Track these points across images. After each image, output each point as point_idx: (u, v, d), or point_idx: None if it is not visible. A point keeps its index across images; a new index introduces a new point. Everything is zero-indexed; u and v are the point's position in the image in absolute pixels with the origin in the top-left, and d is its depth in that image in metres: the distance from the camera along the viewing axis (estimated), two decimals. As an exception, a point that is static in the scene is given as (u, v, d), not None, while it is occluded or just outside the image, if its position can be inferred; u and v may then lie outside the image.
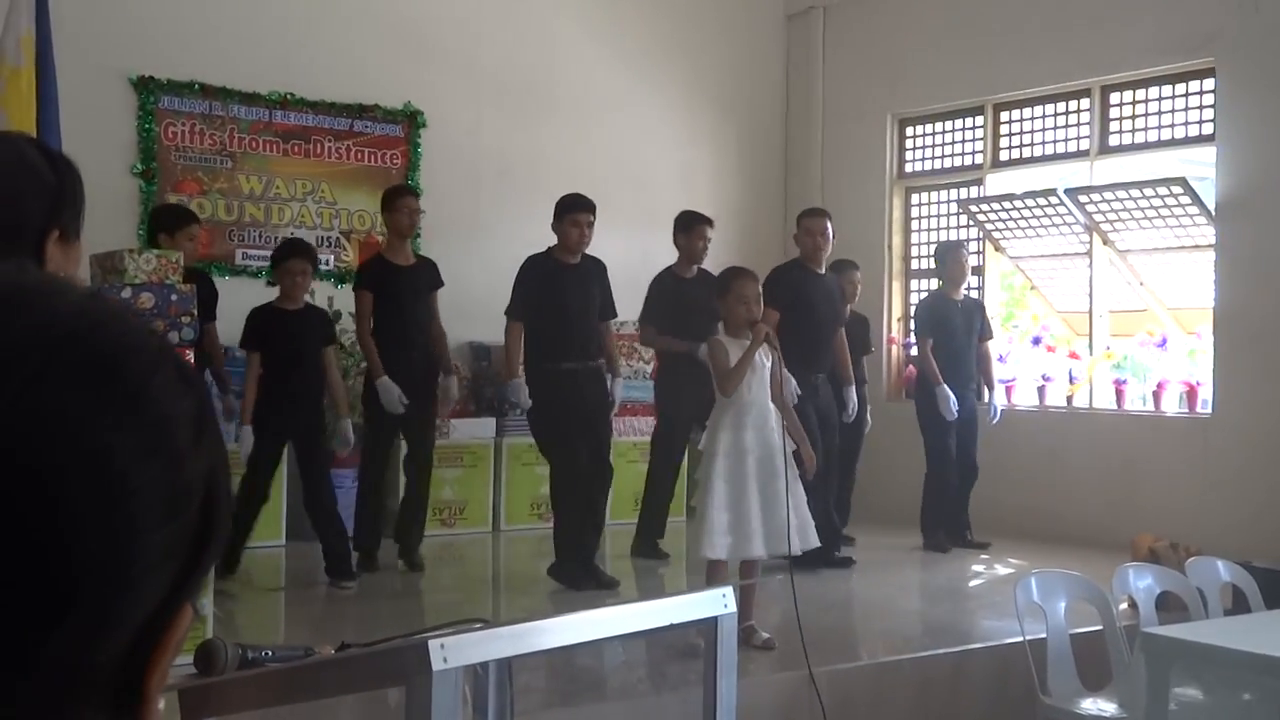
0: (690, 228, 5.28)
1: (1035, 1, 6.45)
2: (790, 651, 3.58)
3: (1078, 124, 6.46)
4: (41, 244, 1.32)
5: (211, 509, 0.46)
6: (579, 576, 4.54)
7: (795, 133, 7.64)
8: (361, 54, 6.25)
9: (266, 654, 1.48)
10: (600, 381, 4.70)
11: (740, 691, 1.73)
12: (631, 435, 6.49)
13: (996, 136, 6.84)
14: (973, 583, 5.42)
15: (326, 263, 6.18)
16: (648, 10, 7.15)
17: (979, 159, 6.93)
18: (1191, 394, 5.94)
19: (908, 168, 7.29)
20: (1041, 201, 6.41)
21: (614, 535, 6.16)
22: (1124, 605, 3.72)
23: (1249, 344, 5.59)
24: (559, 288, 4.58)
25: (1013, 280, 7.09)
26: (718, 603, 1.67)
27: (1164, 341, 6.19)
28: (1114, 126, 6.34)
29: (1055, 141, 6.59)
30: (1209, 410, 5.82)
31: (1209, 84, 5.89)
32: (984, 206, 6.73)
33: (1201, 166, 5.99)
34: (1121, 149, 6.32)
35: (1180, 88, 6.06)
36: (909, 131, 7.28)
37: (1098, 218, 6.25)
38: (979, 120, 6.90)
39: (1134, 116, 6.26)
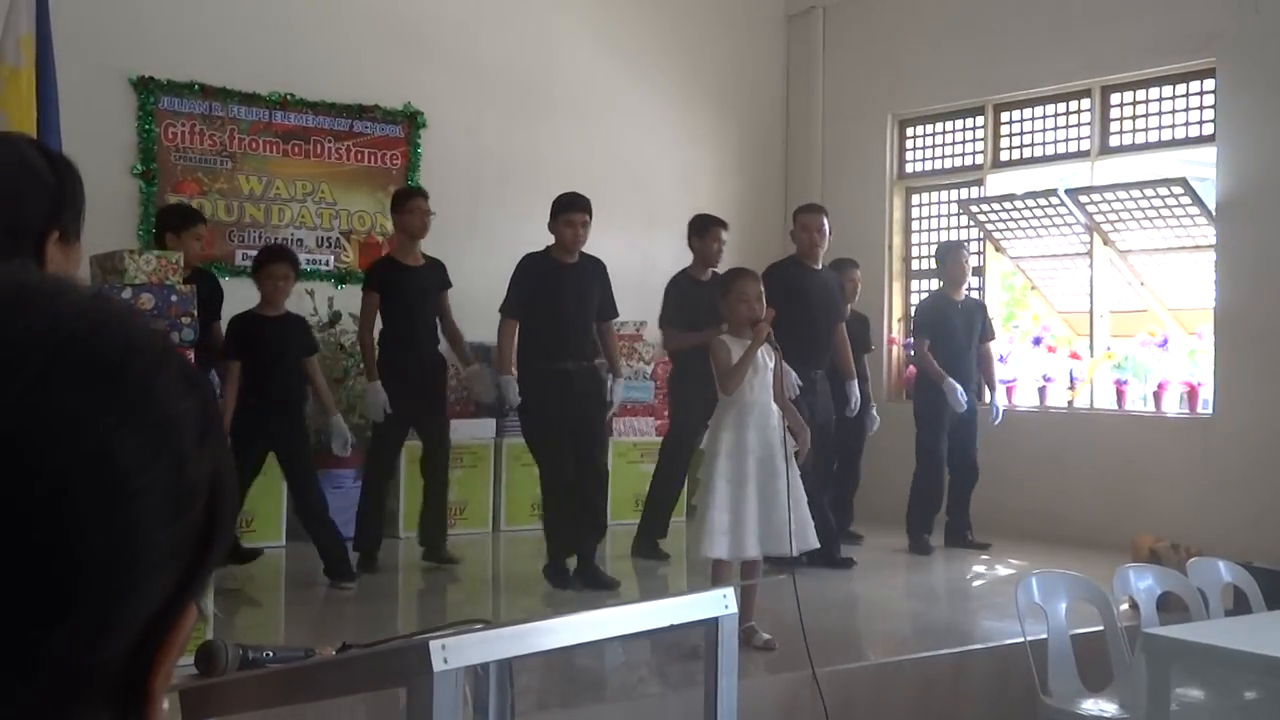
0: (705, 230, 5.28)
1: (1036, 2, 6.45)
2: (790, 653, 3.58)
3: (1078, 124, 6.46)
4: (41, 245, 1.33)
5: (215, 509, 0.46)
6: (568, 577, 4.54)
7: (795, 133, 7.64)
8: (361, 54, 6.25)
9: (267, 655, 1.49)
10: (596, 382, 4.68)
11: (741, 692, 1.73)
12: (632, 436, 6.49)
13: (997, 137, 6.84)
14: (974, 583, 5.42)
15: (326, 264, 6.19)
16: (648, 10, 7.15)
17: (979, 159, 6.93)
18: (1192, 394, 5.94)
19: (908, 168, 7.29)
20: (1042, 202, 6.41)
21: (615, 536, 6.16)
22: (1125, 606, 3.72)
23: (1250, 344, 5.59)
24: (555, 287, 4.57)
25: (1013, 281, 7.09)
26: (718, 603, 1.67)
27: (1165, 342, 6.19)
28: (1114, 127, 6.34)
29: (1056, 142, 6.59)
30: (1210, 411, 5.82)
31: (1209, 84, 5.89)
32: (984, 207, 6.73)
33: (1202, 167, 6.00)
34: (1122, 149, 6.33)
35: (1181, 88, 6.06)
36: (909, 132, 7.28)
37: (1098, 218, 6.25)
38: (979, 120, 6.90)
39: (1134, 117, 6.27)
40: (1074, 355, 6.52)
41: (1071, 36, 6.29)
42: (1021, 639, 3.28)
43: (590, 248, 4.82)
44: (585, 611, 1.59)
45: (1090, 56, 6.22)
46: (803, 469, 3.71)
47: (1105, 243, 6.32)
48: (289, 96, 6.06)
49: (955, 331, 5.74)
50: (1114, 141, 6.35)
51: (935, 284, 6.38)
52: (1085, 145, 6.43)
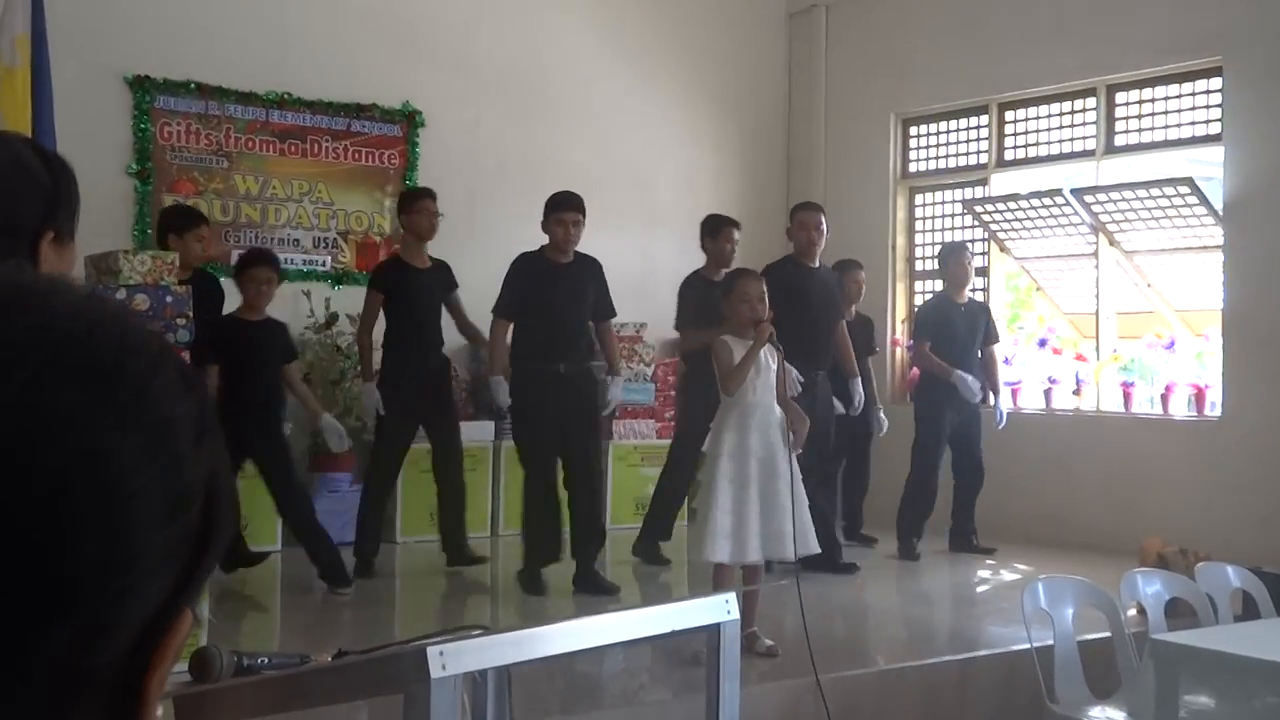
0: (718, 230, 5.28)
1: (1041, -1, 6.46)
2: (793, 659, 3.58)
3: (1083, 123, 6.46)
4: (36, 245, 1.33)
5: (212, 512, 0.46)
6: (542, 585, 4.54)
7: (797, 132, 7.65)
8: (359, 53, 6.25)
9: (262, 661, 1.48)
10: (590, 384, 4.67)
11: (743, 700, 1.72)
12: (632, 439, 6.49)
13: (1001, 136, 6.84)
14: (979, 589, 5.42)
15: (323, 264, 6.19)
16: (648, 8, 7.16)
17: (984, 159, 6.93)
18: (1200, 397, 5.94)
19: (911, 167, 7.29)
20: (1047, 202, 6.41)
21: (615, 541, 6.16)
22: (1132, 611, 3.72)
23: (1258, 346, 5.59)
24: (548, 287, 4.56)
25: (1018, 281, 7.09)
26: (720, 609, 1.67)
27: (1172, 343, 6.19)
28: (1120, 126, 6.34)
29: (1061, 141, 6.59)
30: (1218, 413, 5.81)
31: (1216, 83, 5.89)
32: (989, 207, 6.73)
33: (1209, 166, 6.00)
34: (1128, 149, 6.33)
35: (1187, 86, 6.06)
36: (913, 131, 7.28)
37: (1104, 218, 6.25)
38: (984, 119, 6.90)
39: (1140, 116, 6.27)
40: (1080, 357, 6.52)
41: (1077, 34, 6.29)
42: (1028, 645, 3.27)
43: (589, 248, 4.82)
44: (585, 617, 1.59)
45: (1096, 55, 6.23)
46: (802, 463, 3.70)
47: (1111, 243, 6.32)
48: (286, 95, 6.06)
49: (957, 334, 5.74)
50: (1120, 141, 6.35)
51: (939, 285, 6.37)
52: (1090, 144, 6.43)
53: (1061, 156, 6.60)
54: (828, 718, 3.31)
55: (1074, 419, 6.38)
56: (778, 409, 3.70)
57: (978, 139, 6.96)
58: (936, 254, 6.41)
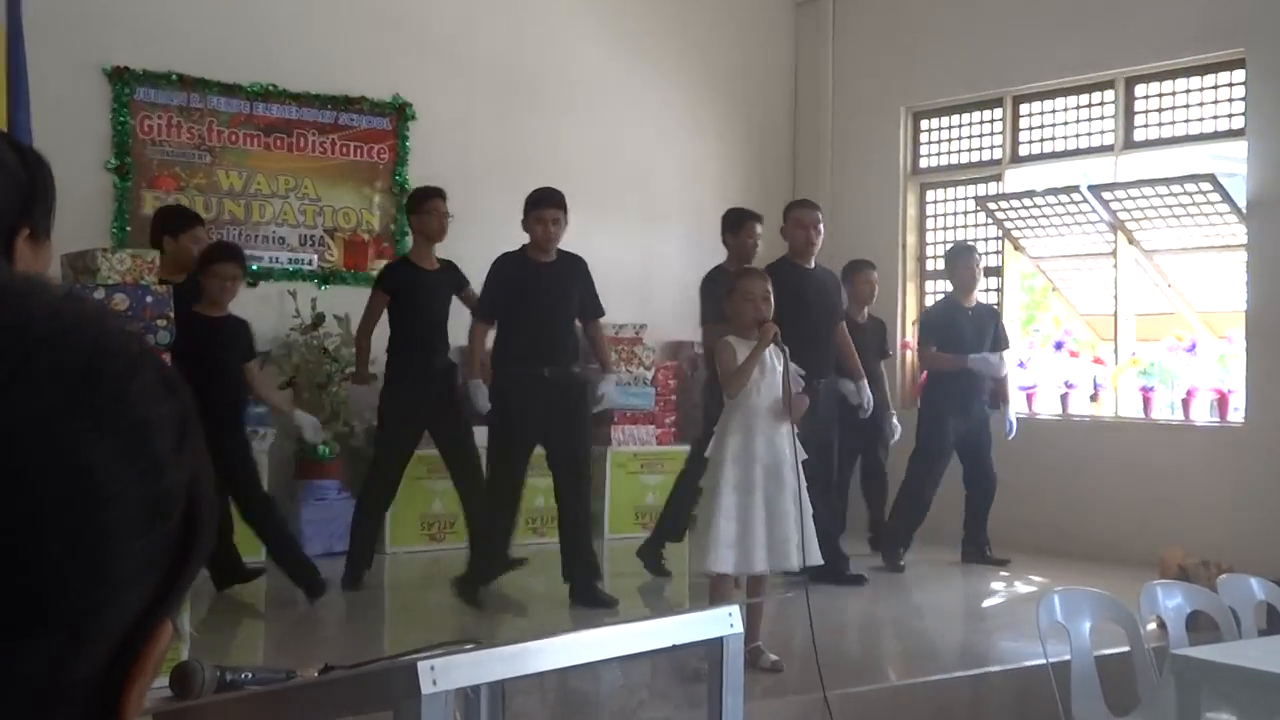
0: (740, 225, 5.27)
1: (1057, -12, 6.47)
2: (799, 674, 3.58)
3: (1101, 117, 6.47)
4: (11, 243, 1.33)
5: (193, 519, 0.46)
6: (477, 596, 4.53)
7: (804, 126, 7.65)
8: (347, 43, 6.26)
9: (246, 676, 1.48)
10: (575, 388, 4.66)
11: (747, 717, 1.72)
12: (632, 445, 6.49)
13: (1016, 130, 6.85)
14: (992, 601, 5.41)
15: (309, 263, 6.19)
16: (649, -3, 7.16)
17: (997, 154, 6.94)
18: (1223, 402, 5.94)
19: (922, 163, 7.30)
20: (1063, 199, 6.42)
21: (614, 550, 6.16)
22: (1152, 625, 3.72)
23: (1283, 349, 5.59)
24: (530, 287, 4.56)
25: (1033, 282, 7.09)
26: (723, 622, 1.67)
27: (1193, 346, 6.19)
28: (1139, 120, 6.35)
29: (1078, 136, 6.60)
30: (1241, 419, 5.82)
31: (1239, 75, 5.90)
32: (1003, 204, 6.74)
33: (1231, 162, 6.00)
34: (1147, 144, 6.33)
35: (1209, 79, 6.07)
36: (924, 125, 7.29)
37: (1123, 216, 6.25)
38: (997, 113, 6.91)
39: (1160, 110, 6.27)
40: (1097, 361, 6.52)
41: (1094, 25, 6.30)
42: (1043, 660, 3.27)
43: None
44: (582, 631, 1.59)
45: (1114, 46, 6.23)
46: (806, 471, 3.70)
47: (1130, 242, 6.32)
48: (271, 87, 6.07)
49: (964, 339, 5.74)
50: (1139, 135, 6.36)
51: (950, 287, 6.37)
52: (1109, 139, 6.44)
53: (1078, 152, 6.61)
54: (835, 736, 3.31)
55: (1091, 425, 6.38)
56: (784, 412, 3.70)
57: (991, 133, 6.97)
58: (944, 255, 6.41)
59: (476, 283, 5.31)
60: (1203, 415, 6.04)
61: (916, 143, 7.30)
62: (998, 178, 6.93)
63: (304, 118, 6.18)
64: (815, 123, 7.57)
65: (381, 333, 5.07)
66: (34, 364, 0.42)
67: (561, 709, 3.36)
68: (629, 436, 6.48)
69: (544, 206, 4.59)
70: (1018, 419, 6.00)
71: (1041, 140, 6.78)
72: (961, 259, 5.92)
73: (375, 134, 6.36)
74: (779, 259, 5.07)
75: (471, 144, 6.55)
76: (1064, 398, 6.52)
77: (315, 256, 6.21)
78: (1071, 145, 6.64)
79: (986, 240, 7.00)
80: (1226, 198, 5.85)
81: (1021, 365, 6.73)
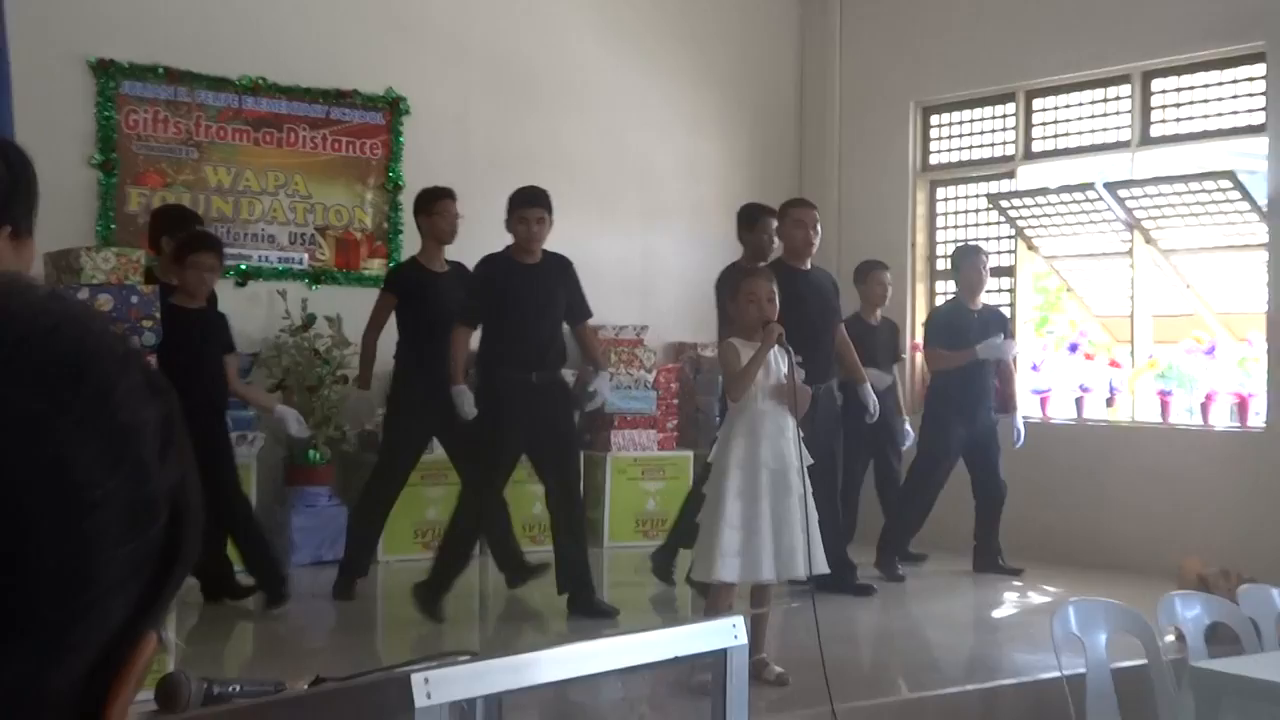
0: (755, 221, 5.26)
1: (1071, -21, 6.47)
2: (805, 688, 3.57)
3: (1117, 113, 6.47)
4: (-9, 240, 1.32)
5: (179, 526, 0.46)
6: (438, 609, 4.51)
7: (810, 121, 7.65)
8: (339, 35, 6.26)
9: (234, 689, 1.48)
10: (561, 393, 4.66)
11: (752, 730, 1.72)
12: (632, 450, 6.49)
13: (1029, 126, 6.85)
14: (1005, 612, 5.41)
15: (300, 262, 6.19)
16: (650, -12, 7.17)
17: (1010, 150, 6.94)
18: (1243, 406, 5.94)
19: (932, 159, 7.30)
20: (1078, 196, 6.41)
21: (614, 560, 6.16)
22: (1170, 637, 3.72)
23: (1305, 352, 5.59)
24: (515, 289, 4.54)
25: (1047, 282, 7.09)
26: (727, 633, 1.67)
27: (1212, 349, 6.19)
28: (1157, 115, 6.34)
29: (1093, 131, 6.59)
30: (1262, 423, 5.81)
31: (1259, 69, 5.89)
32: (1015, 202, 6.74)
33: (1252, 159, 6.00)
34: (1165, 140, 6.33)
35: (1229, 73, 6.07)
36: (934, 120, 7.29)
37: (1139, 214, 6.25)
38: (1010, 108, 6.91)
39: (1179, 105, 6.27)
40: (1113, 363, 6.52)
41: (1110, 17, 6.30)
42: (1057, 673, 3.27)
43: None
44: (581, 642, 1.59)
45: (1130, 39, 6.23)
46: (811, 477, 3.70)
47: (1147, 241, 6.32)
48: (260, 81, 6.07)
49: (970, 342, 5.75)
50: (1156, 131, 6.35)
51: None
52: (1125, 135, 6.44)
53: (1094, 148, 6.61)
54: (842, 751, 3.30)
55: (1107, 430, 6.38)
56: (790, 418, 3.70)
57: (1004, 129, 6.96)
58: (949, 256, 6.41)
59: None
60: (1222, 420, 6.04)
61: (926, 139, 7.30)
62: (1010, 175, 6.93)
63: (294, 112, 6.18)
64: (821, 118, 7.57)
65: (387, 335, 5.08)
66: (15, 365, 0.42)
67: (559, 723, 3.36)
68: (629, 441, 6.48)
69: (527, 206, 4.57)
70: (1026, 425, 5.98)
71: (1055, 136, 6.78)
72: (968, 260, 5.92)
73: (368, 129, 6.37)
74: (773, 260, 5.01)
75: (468, 140, 6.55)
76: (1079, 402, 6.51)
77: (306, 255, 6.21)
78: (1086, 141, 6.64)
79: (999, 239, 6.99)
80: (1246, 195, 5.84)
81: (1035, 368, 6.72)
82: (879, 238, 6.99)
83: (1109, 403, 6.46)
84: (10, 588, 0.41)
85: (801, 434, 3.68)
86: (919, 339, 7.20)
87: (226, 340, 4.69)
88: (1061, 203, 6.50)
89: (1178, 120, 6.29)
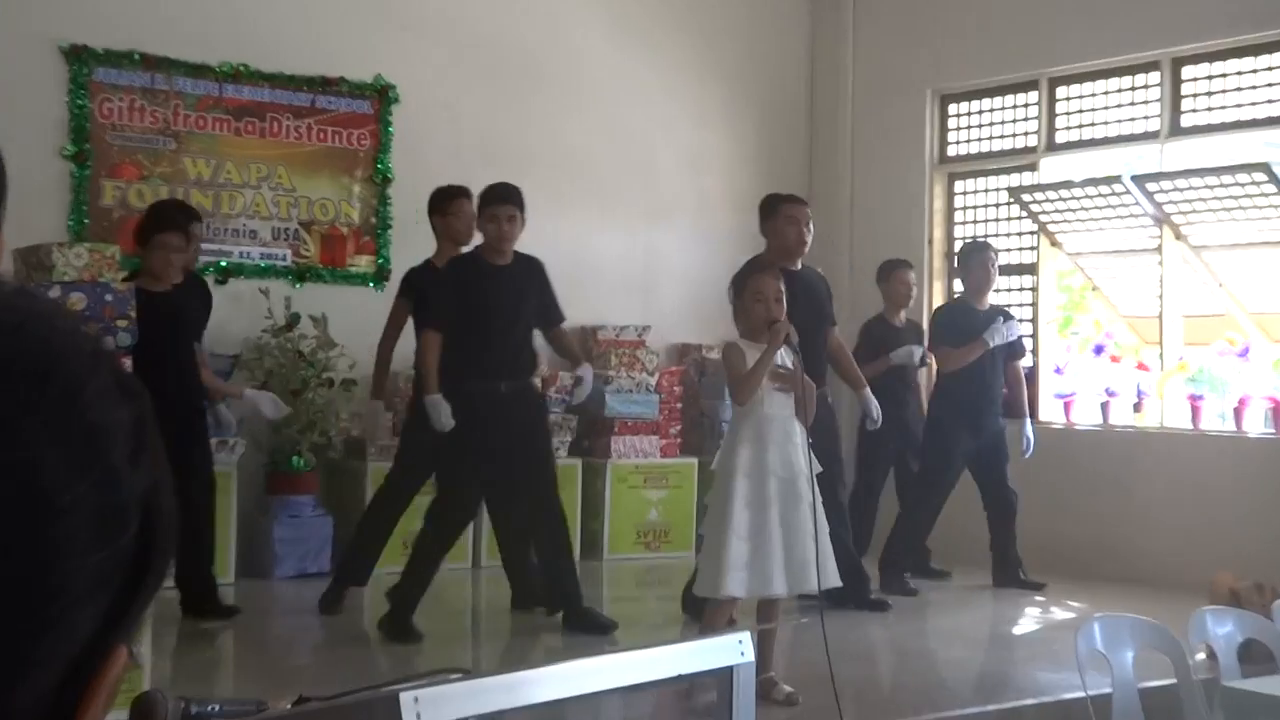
0: (776, 211, 5.24)
1: (1097, -39, 6.47)
2: (816, 708, 3.57)
3: (1146, 101, 6.47)
4: (-43, 235, 1.33)
5: (151, 534, 0.46)
6: (411, 631, 4.49)
7: (821, 112, 7.66)
8: (324, 19, 6.27)
9: (213, 708, 1.48)
10: (532, 403, 4.64)
11: (759, 753, 1.72)
12: (633, 457, 6.49)
13: (1052, 115, 6.85)
14: (1026, 628, 5.40)
15: (283, 258, 6.20)
16: (653, -29, 7.17)
17: (1032, 141, 6.94)
18: (1278, 411, 5.94)
19: (950, 151, 7.30)
20: (1104, 190, 6.42)
21: (613, 571, 6.16)
22: (1201, 655, 3.71)
23: (1344, 354, 5.58)
24: (485, 292, 4.51)
25: (1071, 280, 7.09)
26: (733, 650, 1.67)
27: (1246, 351, 6.18)
28: (1187, 105, 6.34)
29: (1120, 121, 6.60)
30: (1298, 430, 5.81)
31: (1296, 56, 5.90)
32: (1038, 195, 6.74)
33: (1288, 150, 6.00)
34: (1196, 130, 6.33)
35: (1263, 60, 6.07)
36: (952, 109, 7.29)
37: (1169, 209, 6.25)
38: (1032, 97, 6.91)
39: (1210, 93, 6.27)
40: (1141, 366, 6.51)
41: (1139, 1, 6.30)
42: (1082, 693, 3.26)
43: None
44: (580, 659, 1.58)
45: (1160, 24, 6.23)
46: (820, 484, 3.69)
47: (1177, 237, 6.32)
48: (242, 67, 6.08)
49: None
50: (1186, 121, 6.35)
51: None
52: (1154, 125, 6.44)
53: (1121, 139, 6.61)
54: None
55: (1135, 437, 6.37)
56: (798, 423, 3.70)
57: (1025, 118, 6.97)
58: (956, 254, 6.40)
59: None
60: (1256, 426, 6.03)
61: (944, 129, 7.30)
62: (1032, 167, 6.93)
63: (277, 100, 6.18)
64: (833, 108, 7.57)
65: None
66: (-22, 363, 0.42)
67: (556, 745, 3.35)
68: (630, 448, 6.48)
69: (498, 203, 4.54)
70: (1038, 431, 5.95)
71: (1080, 126, 6.78)
72: (975, 256, 5.92)
73: (355, 118, 6.37)
74: (756, 259, 4.91)
75: (461, 130, 6.56)
76: (1105, 407, 6.51)
77: (289, 252, 6.22)
78: (1113, 132, 6.64)
79: (1020, 235, 7.00)
80: (1282, 189, 5.84)
81: (1059, 371, 6.72)
82: (894, 234, 6.99)
83: (1136, 408, 6.46)
84: None
85: (810, 441, 3.68)
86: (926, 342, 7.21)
87: (198, 327, 4.67)
88: (1086, 196, 6.50)
89: (1209, 110, 6.29)
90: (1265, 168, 5.87)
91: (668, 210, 7.16)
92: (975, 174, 7.25)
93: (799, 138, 7.66)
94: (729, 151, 7.39)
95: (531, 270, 4.66)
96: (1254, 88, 6.13)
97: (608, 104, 6.99)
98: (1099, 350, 6.71)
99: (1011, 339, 5.75)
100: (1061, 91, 6.83)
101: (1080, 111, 6.77)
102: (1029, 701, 3.95)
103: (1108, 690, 3.29)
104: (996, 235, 7.11)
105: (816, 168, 7.62)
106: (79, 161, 5.72)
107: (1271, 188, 5.88)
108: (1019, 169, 7.02)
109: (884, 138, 7.35)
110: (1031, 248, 6.91)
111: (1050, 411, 6.68)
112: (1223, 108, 6.24)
